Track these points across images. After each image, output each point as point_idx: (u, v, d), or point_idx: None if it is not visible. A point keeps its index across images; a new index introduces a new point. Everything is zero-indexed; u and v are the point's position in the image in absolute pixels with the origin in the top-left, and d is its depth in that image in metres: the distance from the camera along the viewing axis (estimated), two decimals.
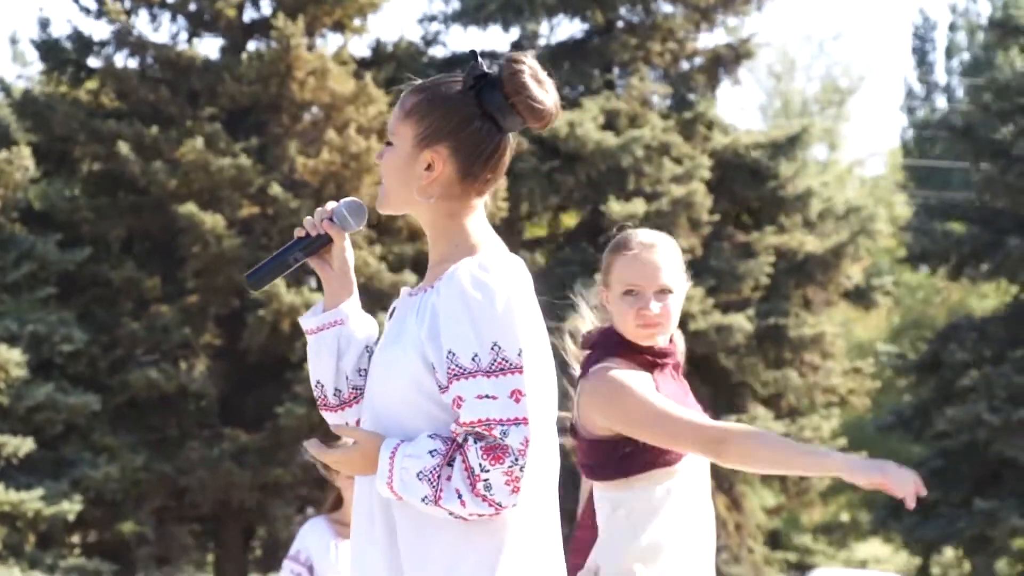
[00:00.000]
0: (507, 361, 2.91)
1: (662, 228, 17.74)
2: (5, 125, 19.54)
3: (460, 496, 2.87)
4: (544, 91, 3.03)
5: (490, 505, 2.87)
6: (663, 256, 3.96)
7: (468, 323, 2.92)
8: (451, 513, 2.89)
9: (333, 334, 3.12)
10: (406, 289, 3.15)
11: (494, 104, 3.01)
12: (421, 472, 2.89)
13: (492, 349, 2.92)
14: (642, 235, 4.02)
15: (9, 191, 18.09)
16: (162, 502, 18.67)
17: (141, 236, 19.27)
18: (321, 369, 3.13)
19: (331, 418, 3.16)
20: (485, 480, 2.86)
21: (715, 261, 20.24)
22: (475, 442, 2.87)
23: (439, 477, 2.90)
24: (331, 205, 3.08)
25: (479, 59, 3.05)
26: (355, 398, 3.14)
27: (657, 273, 3.94)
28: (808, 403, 21.55)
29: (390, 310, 3.16)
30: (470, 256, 3.01)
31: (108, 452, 17.88)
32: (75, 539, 19.03)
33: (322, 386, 3.15)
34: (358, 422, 3.13)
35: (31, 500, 16.84)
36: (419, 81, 3.11)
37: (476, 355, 2.91)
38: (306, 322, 3.12)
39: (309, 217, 3.09)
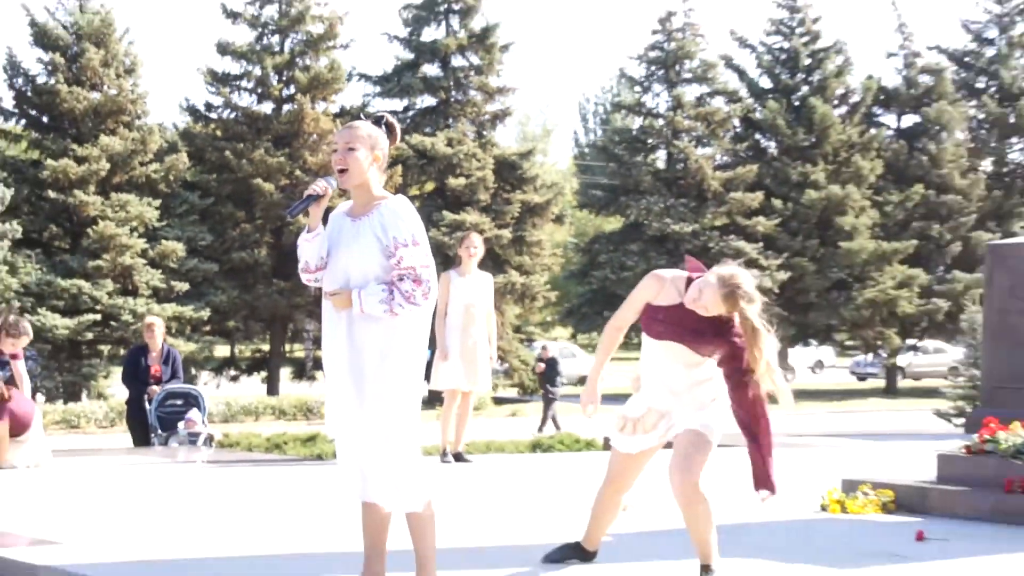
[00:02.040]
0: (419, 241, 3.76)
1: (466, 192, 30.51)
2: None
3: (401, 304, 3.72)
4: (398, 128, 3.90)
5: (415, 305, 3.72)
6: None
7: (403, 224, 3.76)
8: (391, 312, 3.68)
9: (319, 239, 3.87)
10: (342, 213, 3.91)
11: (388, 131, 3.92)
12: (380, 300, 3.71)
13: (412, 235, 3.77)
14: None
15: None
16: None
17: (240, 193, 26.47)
18: (310, 255, 3.87)
19: (305, 277, 3.90)
20: (413, 295, 3.70)
21: (495, 206, 25.90)
22: (408, 279, 3.74)
23: (389, 298, 3.73)
24: (322, 177, 3.90)
25: (365, 116, 3.93)
26: (319, 268, 3.88)
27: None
28: (534, 267, 25.89)
29: (329, 223, 3.92)
30: (386, 199, 3.83)
31: None
32: None
33: (307, 263, 3.89)
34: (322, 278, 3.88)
35: None
36: (358, 121, 3.90)
37: (406, 238, 3.75)
38: (305, 236, 3.85)
39: (314, 183, 3.87)
